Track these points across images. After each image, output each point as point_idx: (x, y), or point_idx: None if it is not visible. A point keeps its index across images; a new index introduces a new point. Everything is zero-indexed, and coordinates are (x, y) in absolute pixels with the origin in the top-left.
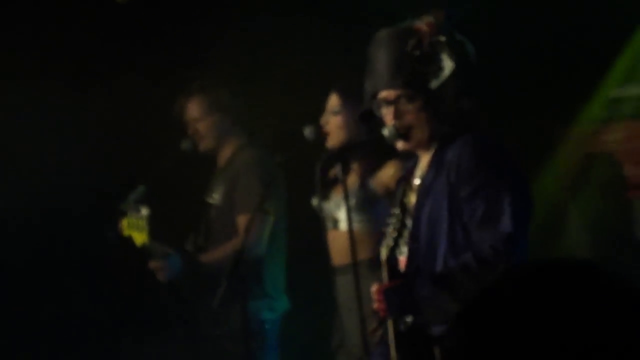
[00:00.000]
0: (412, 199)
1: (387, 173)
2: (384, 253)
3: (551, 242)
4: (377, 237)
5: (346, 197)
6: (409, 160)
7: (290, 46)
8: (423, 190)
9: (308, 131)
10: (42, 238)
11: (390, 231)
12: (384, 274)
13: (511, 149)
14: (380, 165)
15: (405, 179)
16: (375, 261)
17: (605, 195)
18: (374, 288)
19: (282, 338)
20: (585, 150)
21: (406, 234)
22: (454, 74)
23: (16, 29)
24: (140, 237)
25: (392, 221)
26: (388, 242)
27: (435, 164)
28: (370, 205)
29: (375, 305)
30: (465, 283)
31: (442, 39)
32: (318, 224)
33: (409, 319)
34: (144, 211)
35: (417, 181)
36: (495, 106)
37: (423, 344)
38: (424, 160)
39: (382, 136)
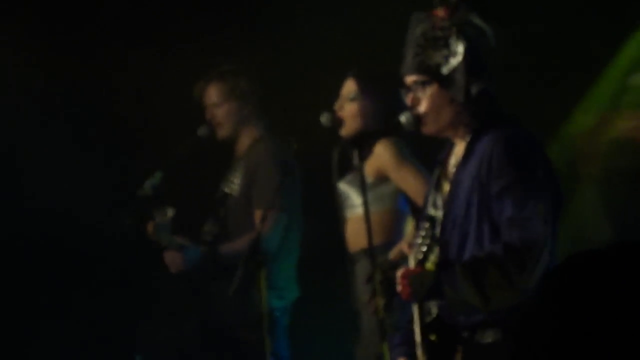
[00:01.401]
0: (446, 187)
1: (375, 153)
2: (412, 263)
3: (574, 230)
4: (376, 221)
5: (363, 184)
6: (444, 144)
7: (310, 33)
8: (456, 182)
9: (325, 118)
10: (58, 224)
11: (419, 243)
12: (411, 262)
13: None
14: (371, 149)
15: (441, 163)
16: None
17: (627, 184)
18: (400, 272)
19: (293, 327)
20: (610, 137)
21: (436, 249)
22: (466, 61)
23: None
24: (166, 238)
25: (422, 234)
26: (417, 255)
27: (469, 156)
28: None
29: (399, 288)
30: (490, 272)
31: (455, 26)
32: (332, 212)
33: (434, 309)
34: (170, 212)
35: (452, 169)
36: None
37: (447, 337)
38: (459, 148)
39: (399, 122)
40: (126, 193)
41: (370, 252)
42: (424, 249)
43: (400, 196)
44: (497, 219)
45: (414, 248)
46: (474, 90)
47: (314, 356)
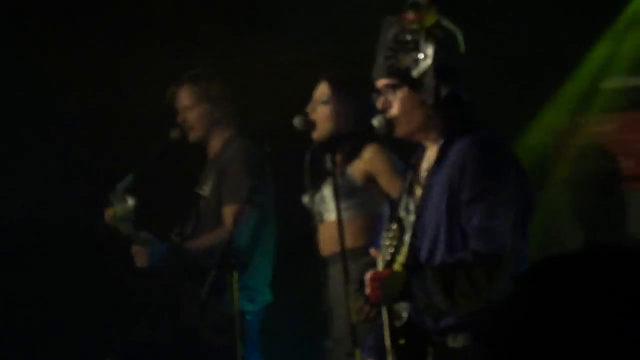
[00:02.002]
0: (418, 192)
1: (364, 157)
2: (381, 265)
3: (546, 234)
4: (362, 225)
5: (336, 189)
6: (417, 147)
7: (282, 36)
8: (428, 187)
9: (298, 121)
10: (27, 226)
11: (387, 245)
12: (380, 265)
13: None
14: (359, 153)
15: (413, 169)
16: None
17: (599, 188)
18: (369, 275)
19: (265, 332)
20: (579, 142)
21: (404, 250)
22: (436, 64)
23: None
24: (126, 228)
25: (390, 236)
26: (385, 256)
27: (441, 161)
28: (351, 194)
29: (368, 291)
30: (459, 278)
31: (424, 27)
32: (306, 216)
33: (405, 314)
34: (131, 202)
35: (424, 174)
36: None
37: (417, 341)
38: (431, 152)
39: (371, 126)
40: (99, 195)
41: (343, 256)
42: (392, 250)
43: (385, 202)
44: (466, 226)
45: (381, 250)
46: (444, 93)
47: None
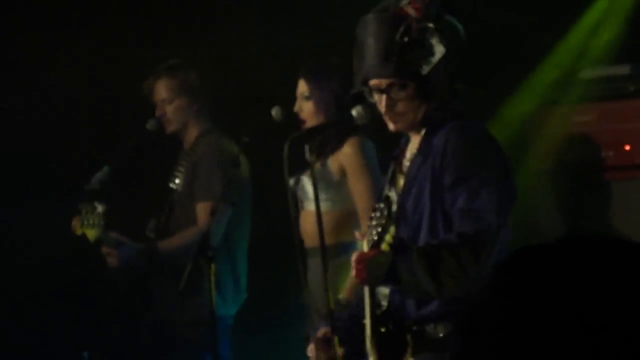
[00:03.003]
0: (401, 181)
1: (344, 151)
2: (365, 247)
3: (525, 225)
4: (337, 219)
5: (314, 179)
6: (401, 138)
7: (258, 27)
8: (410, 175)
9: (276, 112)
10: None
11: (374, 224)
12: (365, 246)
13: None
14: (340, 146)
15: (395, 158)
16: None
17: (578, 178)
18: (354, 256)
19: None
20: (560, 131)
21: (392, 229)
22: (444, 59)
23: None
24: (93, 233)
25: (376, 215)
26: (372, 236)
27: (423, 149)
28: (328, 187)
29: (354, 273)
30: (445, 259)
31: (431, 24)
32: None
33: (384, 302)
34: (100, 208)
35: (406, 163)
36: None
37: (397, 329)
38: (414, 142)
39: (350, 117)
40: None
41: (323, 250)
42: (379, 229)
43: None
44: (450, 210)
45: (367, 230)
46: (458, 87)
47: (255, 355)
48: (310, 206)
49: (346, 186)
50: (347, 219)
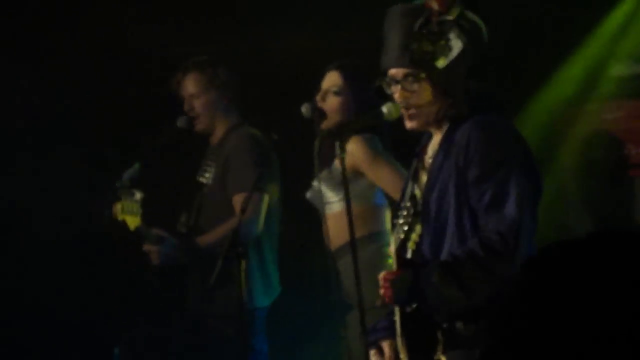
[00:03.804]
0: (424, 178)
1: (349, 151)
2: (393, 245)
3: (551, 221)
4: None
5: (344, 174)
6: (424, 135)
7: (289, 23)
8: (433, 171)
9: (305, 109)
10: (35, 215)
11: (401, 223)
12: (394, 263)
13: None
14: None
15: (418, 155)
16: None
17: (607, 174)
18: (382, 275)
19: (270, 321)
20: (588, 128)
21: (418, 227)
22: (462, 54)
23: None
24: (133, 221)
25: (403, 214)
26: (399, 234)
27: (445, 145)
28: (340, 187)
29: (382, 291)
30: (471, 272)
31: (451, 17)
32: (309, 207)
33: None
34: (138, 195)
35: (429, 160)
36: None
37: (427, 327)
38: (436, 139)
39: (380, 113)
40: (105, 184)
41: (353, 245)
42: (406, 227)
43: (377, 191)
44: (476, 205)
45: (394, 229)
46: (472, 85)
47: (291, 350)
48: (330, 209)
49: (357, 184)
50: (366, 215)
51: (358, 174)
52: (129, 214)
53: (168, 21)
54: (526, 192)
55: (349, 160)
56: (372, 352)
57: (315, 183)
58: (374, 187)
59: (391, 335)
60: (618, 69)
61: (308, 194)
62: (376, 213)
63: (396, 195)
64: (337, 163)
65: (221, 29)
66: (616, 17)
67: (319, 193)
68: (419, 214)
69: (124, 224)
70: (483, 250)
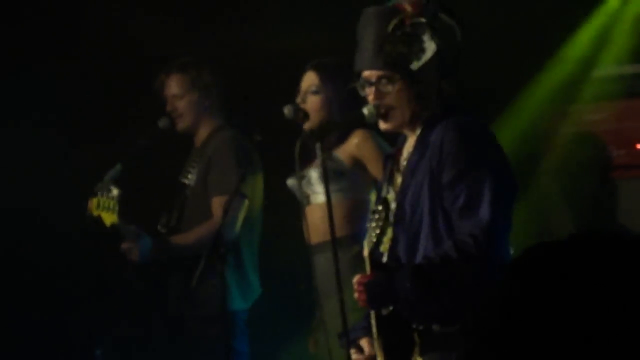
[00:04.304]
0: (398, 180)
1: (352, 142)
2: (366, 249)
3: (534, 222)
4: (349, 208)
5: (325, 176)
6: (399, 137)
7: (271, 25)
8: (408, 173)
9: (288, 110)
10: (15, 217)
11: (373, 226)
12: (367, 267)
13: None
14: (346, 137)
15: (393, 157)
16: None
17: (590, 176)
18: (356, 279)
19: (251, 321)
20: (571, 129)
21: (389, 231)
22: (435, 56)
23: None
24: (109, 218)
25: (375, 217)
26: (371, 237)
27: (420, 147)
28: (339, 176)
29: (356, 295)
30: (445, 275)
31: (425, 20)
32: (292, 205)
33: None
34: (115, 191)
35: (403, 162)
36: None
37: (404, 329)
38: (411, 141)
39: (362, 115)
40: (86, 185)
41: (334, 244)
42: (378, 231)
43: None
44: (450, 207)
45: (367, 232)
46: (445, 86)
47: (273, 351)
48: (317, 199)
49: (358, 175)
50: (359, 208)
51: (357, 166)
52: (105, 210)
53: (151, 21)
54: (500, 193)
55: (352, 151)
56: (352, 351)
57: (290, 181)
58: (368, 183)
59: (369, 334)
60: (602, 70)
61: (290, 182)
62: (366, 209)
63: None
64: (338, 153)
65: (204, 30)
66: (599, 18)
67: (299, 190)
68: (390, 218)
69: (99, 220)
70: (457, 253)
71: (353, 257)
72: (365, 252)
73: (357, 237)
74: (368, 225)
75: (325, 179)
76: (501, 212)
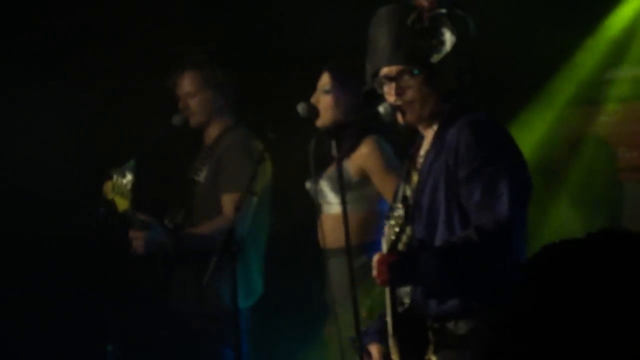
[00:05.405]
0: (415, 178)
1: (361, 152)
2: (385, 246)
3: (542, 223)
4: (356, 220)
5: (340, 175)
6: (414, 137)
7: (285, 24)
8: (424, 171)
9: (301, 108)
10: (27, 212)
11: (392, 224)
12: (384, 246)
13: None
14: (356, 147)
15: (410, 156)
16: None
17: (598, 178)
18: (376, 258)
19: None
20: (579, 131)
21: (409, 230)
22: (455, 49)
23: None
24: (122, 203)
25: (395, 215)
26: (390, 236)
27: (436, 144)
28: (349, 187)
29: (375, 274)
30: (467, 258)
31: (443, 12)
32: (305, 204)
33: (407, 300)
34: (129, 176)
35: (420, 160)
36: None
37: (419, 327)
38: (427, 139)
39: (377, 113)
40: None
41: (348, 251)
42: (396, 229)
43: (382, 197)
44: (466, 203)
45: (386, 230)
46: (465, 78)
47: (273, 350)
48: (329, 210)
49: (365, 187)
50: (368, 220)
51: (365, 178)
52: (119, 195)
53: (166, 18)
54: (517, 189)
55: (360, 162)
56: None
57: (308, 184)
58: (376, 193)
59: (379, 339)
60: (613, 72)
61: (308, 185)
62: (378, 220)
63: None
64: (347, 164)
65: (219, 28)
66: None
67: (315, 192)
68: (410, 216)
69: (112, 204)
70: (478, 236)
71: (360, 268)
72: (384, 249)
73: (364, 248)
74: (386, 222)
75: (340, 177)
76: (518, 208)
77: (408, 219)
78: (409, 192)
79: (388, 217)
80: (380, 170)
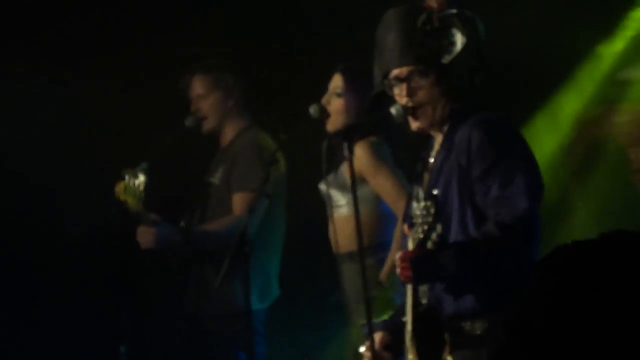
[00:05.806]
0: (426, 178)
1: (356, 154)
2: (410, 245)
3: (556, 225)
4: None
5: (352, 175)
6: (424, 139)
7: (295, 25)
8: (435, 171)
9: (313, 110)
10: (41, 212)
11: (420, 222)
12: (410, 244)
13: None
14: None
15: (423, 159)
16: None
17: (611, 179)
18: (399, 255)
19: (269, 323)
20: (592, 133)
21: (439, 229)
22: (465, 49)
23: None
24: (134, 203)
25: (423, 213)
26: (417, 234)
27: (447, 144)
28: (347, 190)
29: (398, 271)
30: (489, 252)
31: (454, 12)
32: (318, 205)
33: (424, 300)
34: (142, 177)
35: (431, 160)
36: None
37: (435, 327)
38: (438, 140)
39: (389, 114)
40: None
41: (360, 253)
42: (425, 227)
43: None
44: (482, 201)
45: (412, 228)
46: (477, 78)
47: (288, 353)
48: (337, 212)
49: (363, 189)
50: (371, 221)
51: (362, 179)
52: (131, 196)
53: (176, 21)
54: (531, 183)
55: (355, 164)
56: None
57: (322, 186)
58: (374, 195)
59: (384, 329)
60: (623, 73)
61: (322, 186)
62: (382, 220)
63: (393, 206)
64: (344, 168)
65: (230, 30)
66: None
67: (327, 196)
68: (438, 214)
69: (125, 204)
70: (499, 230)
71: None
72: (410, 247)
73: (374, 248)
74: (414, 221)
75: (353, 179)
76: (534, 198)
77: (438, 215)
78: (421, 193)
79: (414, 215)
80: (371, 167)
